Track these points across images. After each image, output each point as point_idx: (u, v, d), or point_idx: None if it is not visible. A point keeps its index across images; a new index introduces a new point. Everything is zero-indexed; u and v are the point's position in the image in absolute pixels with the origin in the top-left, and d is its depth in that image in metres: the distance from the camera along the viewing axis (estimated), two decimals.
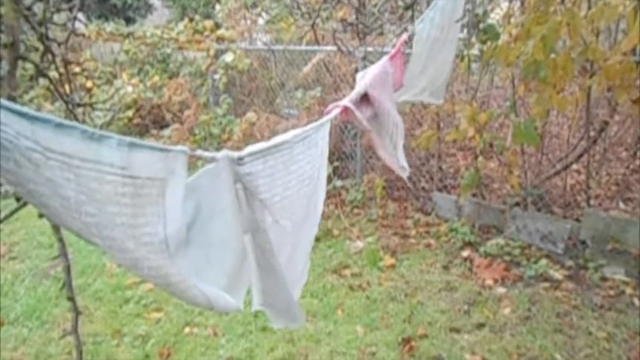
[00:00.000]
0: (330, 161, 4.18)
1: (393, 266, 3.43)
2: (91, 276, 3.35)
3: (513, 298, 2.99)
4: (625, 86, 2.37)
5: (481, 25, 2.37)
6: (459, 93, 4.30)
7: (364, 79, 1.42)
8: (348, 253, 3.65)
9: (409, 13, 2.84)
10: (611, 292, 3.02)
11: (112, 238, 0.76)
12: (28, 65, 1.33)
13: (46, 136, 0.67)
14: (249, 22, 6.27)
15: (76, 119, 1.54)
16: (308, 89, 4.90)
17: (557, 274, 3.21)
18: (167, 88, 6.57)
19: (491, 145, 3.52)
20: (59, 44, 1.50)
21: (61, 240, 1.36)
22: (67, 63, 1.55)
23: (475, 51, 2.84)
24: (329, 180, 3.66)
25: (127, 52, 7.16)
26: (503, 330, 2.70)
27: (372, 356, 2.53)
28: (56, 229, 1.36)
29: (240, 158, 0.88)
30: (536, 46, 2.01)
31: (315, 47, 4.91)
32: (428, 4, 2.48)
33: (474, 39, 2.47)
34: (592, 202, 3.66)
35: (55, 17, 1.45)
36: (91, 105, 1.81)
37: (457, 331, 2.71)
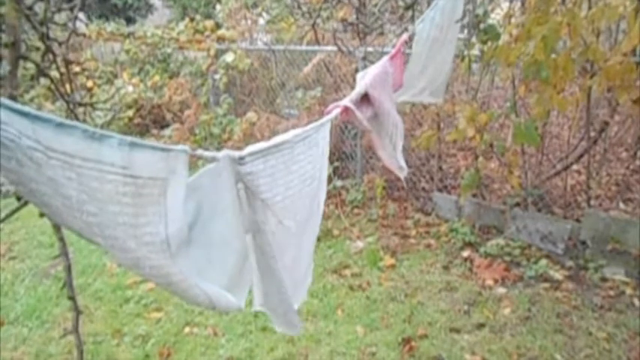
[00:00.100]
0: (331, 161, 4.18)
1: (393, 266, 3.43)
2: (92, 275, 3.35)
3: (513, 299, 2.99)
4: (625, 87, 2.37)
5: (482, 26, 2.37)
6: (460, 93, 4.30)
7: (364, 79, 1.43)
8: (348, 253, 3.65)
9: (409, 13, 2.84)
10: (611, 293, 3.02)
11: (113, 237, 0.76)
12: (29, 65, 1.33)
13: (48, 136, 0.67)
14: (249, 22, 6.27)
15: (77, 119, 1.54)
16: (308, 89, 4.90)
17: (558, 275, 3.21)
18: (167, 88, 6.57)
19: (491, 146, 3.52)
20: (60, 44, 1.50)
21: (61, 239, 1.36)
22: (67, 62, 1.55)
23: (476, 51, 2.84)
24: (329, 180, 3.66)
25: (127, 51, 7.16)
26: (503, 330, 2.70)
27: (372, 356, 2.53)
28: (57, 228, 1.36)
29: (241, 158, 0.88)
30: (537, 47, 2.01)
31: (316, 47, 4.91)
32: (428, 4, 2.48)
33: (474, 39, 2.47)
34: (592, 202, 3.66)
35: (56, 17, 1.45)
36: (91, 105, 1.81)
37: (457, 331, 2.71)
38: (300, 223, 1.06)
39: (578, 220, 3.52)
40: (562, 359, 2.47)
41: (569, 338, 2.62)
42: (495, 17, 4.08)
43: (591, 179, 3.68)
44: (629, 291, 3.02)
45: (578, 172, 4.07)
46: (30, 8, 1.24)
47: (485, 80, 4.28)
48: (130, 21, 12.75)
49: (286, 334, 2.63)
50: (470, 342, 2.62)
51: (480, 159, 3.80)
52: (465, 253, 3.52)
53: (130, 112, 6.71)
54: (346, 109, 1.30)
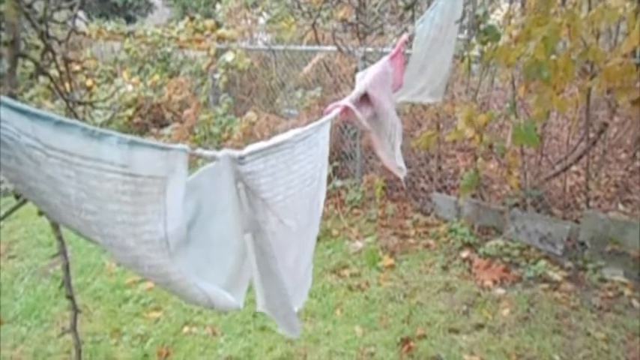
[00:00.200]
0: (330, 161, 4.18)
1: (392, 266, 3.43)
2: (90, 275, 3.34)
3: (512, 299, 2.99)
4: (625, 88, 2.37)
5: (481, 26, 2.37)
6: (460, 94, 4.30)
7: (364, 79, 1.43)
8: (347, 254, 3.65)
9: (409, 13, 2.84)
10: (610, 294, 3.02)
11: (112, 235, 0.76)
12: (29, 63, 1.33)
13: (47, 134, 0.67)
14: (249, 21, 6.27)
15: (77, 117, 1.54)
16: (308, 89, 4.90)
17: (556, 275, 3.21)
18: (167, 87, 6.57)
19: (490, 147, 3.53)
20: (60, 42, 1.50)
21: (60, 238, 1.36)
22: (67, 61, 1.55)
23: (475, 52, 2.84)
24: (328, 180, 3.65)
25: (127, 50, 7.16)
26: (502, 331, 2.70)
27: (370, 356, 2.53)
28: (55, 227, 1.36)
29: (241, 157, 0.88)
30: (538, 48, 2.01)
31: (316, 47, 4.91)
32: (428, 4, 2.48)
33: (474, 40, 2.47)
34: (591, 203, 3.67)
35: (56, 15, 1.44)
36: (91, 103, 1.80)
37: (456, 331, 2.71)
38: (300, 223, 1.06)
39: (577, 221, 3.53)
40: None
41: (568, 339, 2.62)
42: (495, 18, 4.09)
43: (590, 180, 3.68)
44: (627, 292, 3.02)
45: (578, 173, 4.08)
46: (29, 6, 1.24)
47: (484, 81, 4.28)
48: (129, 20, 12.75)
49: (285, 334, 2.63)
50: (468, 342, 2.62)
51: (480, 159, 3.80)
52: (464, 254, 3.52)
53: (130, 111, 6.71)
54: (346, 109, 1.30)
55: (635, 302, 2.92)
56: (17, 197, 1.21)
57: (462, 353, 2.53)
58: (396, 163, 1.67)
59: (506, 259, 3.41)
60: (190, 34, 6.78)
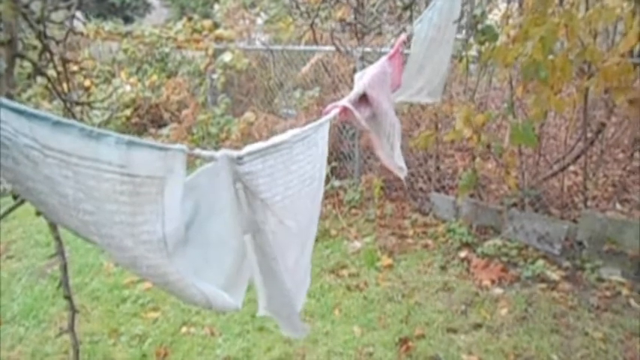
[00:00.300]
0: (328, 161, 4.17)
1: (390, 266, 3.44)
2: (88, 275, 3.34)
3: (510, 299, 3.00)
4: (622, 88, 2.38)
5: (479, 26, 2.37)
6: (458, 94, 4.31)
7: (363, 80, 1.43)
8: (345, 254, 3.65)
9: (407, 13, 2.84)
10: (608, 293, 3.02)
11: (110, 236, 0.76)
12: (26, 63, 1.32)
13: (44, 134, 0.67)
14: (247, 21, 6.27)
15: (74, 118, 1.54)
16: (306, 89, 4.90)
17: (554, 275, 3.22)
18: (165, 88, 6.56)
19: (489, 146, 3.53)
20: (57, 42, 1.49)
21: (57, 238, 1.36)
22: (65, 61, 1.54)
23: (473, 52, 2.84)
24: (327, 180, 3.66)
25: (125, 51, 7.15)
26: (500, 330, 2.71)
27: (369, 356, 2.53)
28: (53, 227, 1.36)
29: (240, 157, 0.88)
30: (535, 47, 2.02)
31: (314, 47, 4.92)
32: (426, 4, 2.48)
33: (472, 40, 2.48)
34: (589, 203, 3.68)
35: (53, 15, 1.44)
36: (89, 104, 1.80)
37: (454, 331, 2.72)
38: (300, 223, 1.06)
39: (574, 221, 3.53)
40: (558, 359, 2.47)
41: (566, 338, 2.63)
42: (493, 18, 4.09)
43: (588, 180, 3.69)
44: (625, 291, 3.03)
45: (575, 172, 4.09)
46: (27, 6, 1.24)
47: (482, 81, 4.29)
48: (127, 20, 12.74)
49: (283, 334, 2.63)
50: (467, 342, 2.62)
51: (478, 159, 3.81)
52: (463, 254, 3.52)
53: (128, 112, 6.70)
54: (345, 110, 1.30)
55: (632, 302, 2.93)
56: (15, 197, 1.21)
57: (460, 353, 2.54)
58: (395, 162, 1.67)
59: (505, 258, 3.42)
60: (188, 34, 6.78)
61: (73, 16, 1.54)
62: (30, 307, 2.95)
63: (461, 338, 2.66)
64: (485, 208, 3.86)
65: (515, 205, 3.73)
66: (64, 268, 1.36)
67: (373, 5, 4.44)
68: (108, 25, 7.52)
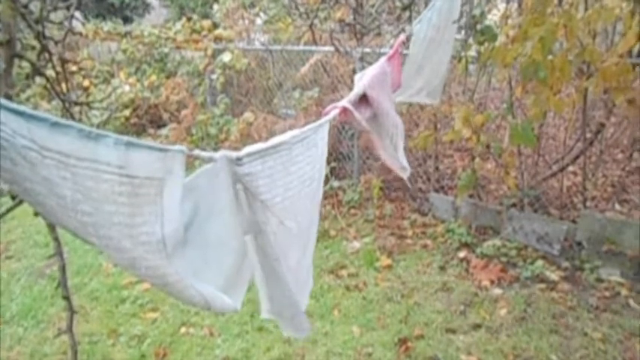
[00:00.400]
0: (328, 162, 4.17)
1: (389, 267, 3.43)
2: (87, 275, 3.34)
3: (509, 299, 3.00)
4: (621, 88, 2.38)
5: (478, 27, 2.37)
6: (457, 94, 4.31)
7: (362, 80, 1.42)
8: (344, 254, 3.65)
9: (407, 13, 2.84)
10: (607, 294, 3.03)
11: (108, 237, 0.76)
12: (25, 63, 1.32)
13: (43, 135, 0.67)
14: (247, 21, 6.26)
15: (73, 118, 1.53)
16: (305, 89, 4.90)
17: (553, 275, 3.22)
18: (164, 88, 6.56)
19: (488, 147, 3.53)
20: (56, 43, 1.49)
21: (56, 239, 1.35)
22: (64, 62, 1.54)
23: (473, 52, 2.84)
24: (326, 180, 3.66)
25: (124, 51, 7.14)
26: (499, 331, 2.71)
27: (368, 357, 2.53)
28: (52, 228, 1.36)
29: (239, 159, 0.88)
30: (535, 48, 2.02)
31: (313, 47, 4.92)
32: (425, 4, 2.49)
33: (471, 40, 2.48)
34: (588, 203, 3.68)
35: (52, 15, 1.44)
36: (87, 104, 1.80)
37: (453, 331, 2.72)
38: (301, 224, 1.05)
39: (574, 221, 3.53)
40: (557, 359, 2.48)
41: (565, 339, 2.63)
42: (492, 18, 4.10)
43: (587, 180, 3.69)
44: (624, 292, 3.03)
45: (574, 173, 4.09)
46: (25, 6, 1.24)
47: (482, 81, 4.29)
48: (127, 20, 12.73)
49: (282, 335, 2.63)
50: (466, 342, 2.62)
51: (477, 160, 3.81)
52: (462, 254, 3.52)
53: (127, 112, 6.70)
54: (344, 110, 1.29)
55: (631, 302, 2.93)
56: (13, 198, 1.21)
57: (459, 353, 2.54)
58: (399, 162, 1.67)
59: (504, 259, 3.42)
60: (187, 34, 6.78)
61: (72, 16, 1.54)
62: (29, 308, 2.95)
63: (460, 338, 2.66)
64: (485, 208, 3.86)
65: (514, 205, 3.73)
66: (63, 269, 1.35)
67: (372, 6, 4.44)
68: (107, 26, 7.51)
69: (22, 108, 0.65)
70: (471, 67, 3.95)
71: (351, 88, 1.42)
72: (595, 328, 2.70)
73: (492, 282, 3.18)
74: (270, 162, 0.92)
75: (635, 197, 3.84)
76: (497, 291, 3.10)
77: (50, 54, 1.39)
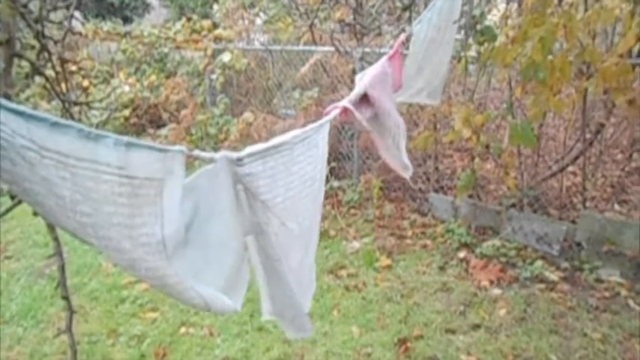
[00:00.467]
0: (327, 162, 4.17)
1: (389, 267, 3.43)
2: (87, 275, 3.33)
3: (509, 299, 3.00)
4: (621, 88, 2.38)
5: (478, 27, 2.37)
6: (457, 95, 4.31)
7: (363, 80, 1.42)
8: (344, 254, 3.64)
9: (407, 14, 2.84)
10: (607, 294, 3.03)
11: (107, 238, 0.75)
12: (24, 63, 1.32)
13: (42, 135, 0.66)
14: (246, 22, 6.26)
15: (72, 118, 1.53)
16: (305, 89, 4.90)
17: (553, 276, 3.22)
18: (164, 88, 6.56)
19: (487, 147, 3.53)
20: (55, 42, 1.49)
21: (56, 239, 1.35)
22: (63, 61, 1.54)
23: (472, 52, 2.84)
24: (326, 180, 3.65)
25: (124, 51, 7.14)
26: (499, 331, 2.71)
27: (367, 357, 2.53)
28: (51, 227, 1.35)
29: (240, 159, 0.87)
30: (535, 48, 2.02)
31: (313, 48, 4.91)
32: (426, 5, 2.48)
33: (471, 40, 2.48)
34: (588, 203, 3.68)
35: (52, 15, 1.44)
36: (87, 104, 1.80)
37: (453, 332, 2.71)
38: (302, 225, 1.05)
39: (573, 222, 3.53)
40: None
41: (565, 339, 2.63)
42: (492, 18, 4.10)
43: (587, 181, 3.69)
44: (624, 292, 3.03)
45: (574, 173, 4.09)
46: (25, 6, 1.23)
47: (481, 81, 4.29)
48: (126, 20, 12.72)
49: (282, 335, 2.63)
50: (465, 343, 2.62)
51: (477, 160, 3.81)
52: (461, 254, 3.52)
53: (127, 112, 6.69)
54: (345, 110, 1.29)
55: (631, 302, 2.93)
56: (12, 198, 1.21)
57: (458, 353, 2.54)
58: (401, 162, 1.67)
59: (503, 259, 3.42)
60: (187, 34, 6.78)
61: (72, 16, 1.53)
62: (28, 308, 2.94)
63: (459, 339, 2.65)
64: (484, 208, 3.86)
65: (514, 205, 3.73)
66: (62, 269, 1.35)
67: (372, 6, 4.44)
68: (107, 25, 7.51)
69: (21, 108, 0.65)
70: (471, 67, 3.95)
71: (351, 88, 1.42)
72: (595, 328, 2.70)
73: (492, 282, 3.18)
74: (272, 162, 0.92)
75: (634, 198, 3.84)
76: (497, 291, 3.10)
77: (50, 54, 1.39)
